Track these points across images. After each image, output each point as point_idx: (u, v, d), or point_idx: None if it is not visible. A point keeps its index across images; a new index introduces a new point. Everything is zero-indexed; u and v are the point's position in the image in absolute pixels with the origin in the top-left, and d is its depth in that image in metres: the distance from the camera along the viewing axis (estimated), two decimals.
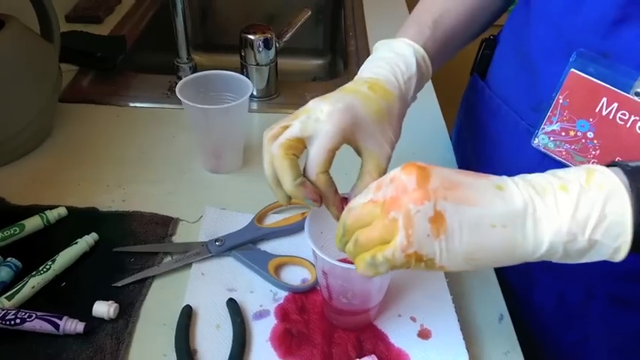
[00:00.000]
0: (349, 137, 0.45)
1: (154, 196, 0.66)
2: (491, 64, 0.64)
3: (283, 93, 0.88)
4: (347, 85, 0.49)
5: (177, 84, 0.66)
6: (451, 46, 0.59)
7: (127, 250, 0.58)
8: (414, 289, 0.55)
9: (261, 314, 0.53)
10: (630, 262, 0.53)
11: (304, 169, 0.45)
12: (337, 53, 1.21)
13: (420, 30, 0.55)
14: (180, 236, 0.62)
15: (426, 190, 0.37)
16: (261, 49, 0.83)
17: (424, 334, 0.51)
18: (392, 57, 0.51)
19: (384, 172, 0.46)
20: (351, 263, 0.41)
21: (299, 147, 0.45)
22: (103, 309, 0.51)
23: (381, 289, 0.49)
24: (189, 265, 0.58)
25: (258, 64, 0.84)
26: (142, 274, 0.56)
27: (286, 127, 0.46)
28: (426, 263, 0.37)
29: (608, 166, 0.38)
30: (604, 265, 0.54)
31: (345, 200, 0.46)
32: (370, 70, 0.51)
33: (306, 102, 0.87)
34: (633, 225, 0.35)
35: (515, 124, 0.59)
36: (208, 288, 0.55)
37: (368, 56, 0.98)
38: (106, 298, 0.52)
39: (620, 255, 0.36)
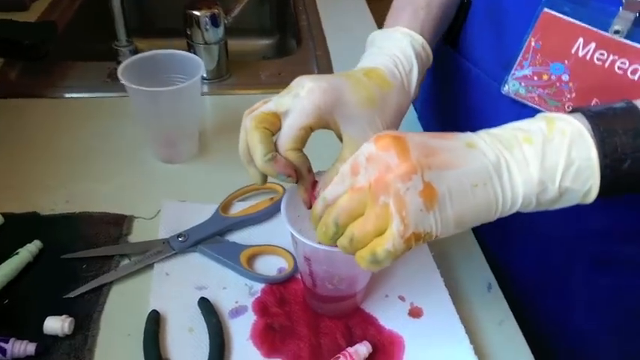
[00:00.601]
0: (327, 118, 0.41)
1: (103, 194, 0.60)
2: (463, 28, 0.61)
3: (235, 73, 0.83)
4: (343, 72, 0.45)
5: (117, 70, 0.59)
6: (445, 20, 0.56)
7: (78, 256, 0.52)
8: (399, 267, 0.52)
9: (237, 311, 0.48)
10: (609, 222, 0.52)
11: (275, 144, 0.41)
12: (287, 30, 1.15)
13: (414, 14, 0.52)
14: (137, 235, 0.56)
15: (410, 162, 0.34)
16: (208, 26, 0.77)
17: (415, 313, 0.48)
18: (390, 48, 0.48)
19: None
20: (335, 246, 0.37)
21: (274, 122, 0.41)
22: (57, 325, 0.45)
23: (367, 271, 0.45)
24: (150, 265, 0.52)
25: (206, 43, 0.77)
26: (97, 281, 0.50)
27: (266, 103, 0.43)
28: (424, 239, 0.34)
29: (569, 112, 0.37)
30: (584, 227, 0.53)
31: (315, 184, 0.42)
32: (369, 61, 0.48)
33: (262, 82, 0.83)
34: (600, 167, 0.35)
35: (487, 86, 0.56)
36: (175, 289, 0.50)
37: (321, 32, 0.95)
38: (58, 313, 0.46)
39: (590, 197, 0.36)
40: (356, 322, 0.48)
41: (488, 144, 0.36)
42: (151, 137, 0.65)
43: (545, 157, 0.35)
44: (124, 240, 0.55)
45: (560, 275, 0.58)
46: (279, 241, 0.54)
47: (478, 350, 0.45)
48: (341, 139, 0.43)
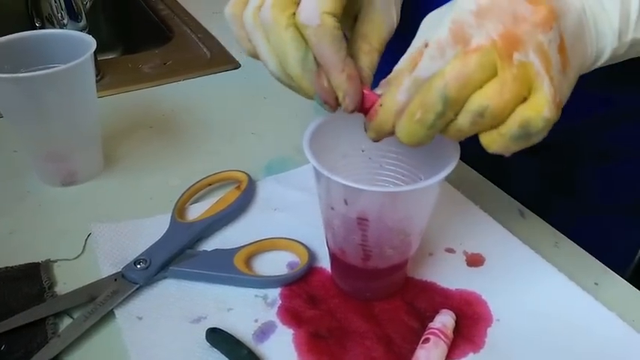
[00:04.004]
0: None
1: None
2: None
3: (109, 72, 0.66)
4: None
5: None
6: None
7: None
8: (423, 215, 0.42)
9: (264, 331, 0.35)
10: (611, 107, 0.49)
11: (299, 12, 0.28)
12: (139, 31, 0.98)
13: None
14: (67, 283, 0.38)
15: (545, 6, 0.25)
16: (63, 15, 0.59)
17: (475, 261, 0.39)
18: None
19: (384, 43, 0.32)
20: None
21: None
22: None
23: (424, 220, 0.35)
24: (110, 314, 0.35)
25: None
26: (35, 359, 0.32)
27: None
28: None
29: None
30: (586, 116, 0.49)
31: (371, 97, 0.30)
32: None
33: (147, 74, 0.68)
34: None
35: None
36: (161, 334, 0.34)
37: (185, 12, 0.82)
38: None
39: None
40: (414, 294, 0.37)
41: None
42: (32, 154, 0.47)
43: (622, 5, 0.29)
44: (51, 294, 0.37)
45: (567, 176, 0.54)
46: (273, 232, 0.41)
47: None
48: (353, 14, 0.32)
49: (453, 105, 0.26)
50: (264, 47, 0.30)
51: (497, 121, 0.26)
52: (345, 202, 0.31)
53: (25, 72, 0.44)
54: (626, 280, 0.40)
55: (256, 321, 0.35)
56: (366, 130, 0.30)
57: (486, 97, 0.25)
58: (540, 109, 0.25)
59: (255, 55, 0.32)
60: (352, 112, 0.29)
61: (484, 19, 0.25)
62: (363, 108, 0.30)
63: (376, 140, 0.31)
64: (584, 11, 0.28)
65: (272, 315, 0.36)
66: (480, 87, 0.26)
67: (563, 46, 0.26)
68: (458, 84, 0.26)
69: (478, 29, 0.26)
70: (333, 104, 0.29)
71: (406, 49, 0.30)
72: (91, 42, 0.45)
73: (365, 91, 0.30)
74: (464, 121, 0.26)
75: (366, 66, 0.31)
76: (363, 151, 0.37)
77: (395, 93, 0.28)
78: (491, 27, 0.25)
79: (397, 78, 0.28)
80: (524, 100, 0.26)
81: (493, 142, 0.27)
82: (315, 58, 0.29)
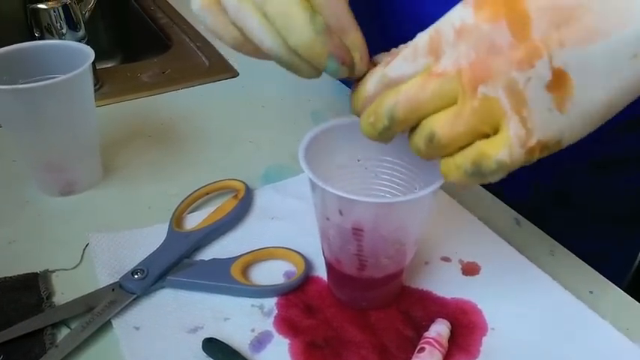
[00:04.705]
0: None
1: None
2: None
3: (107, 81, 0.66)
4: None
5: None
6: None
7: None
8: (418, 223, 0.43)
9: (260, 341, 0.35)
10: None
11: None
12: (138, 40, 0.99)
13: None
14: (65, 293, 0.38)
15: (530, 42, 0.23)
16: (62, 25, 0.60)
17: (471, 269, 0.40)
18: None
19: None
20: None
21: None
22: None
23: (419, 230, 0.36)
24: (107, 324, 0.36)
25: None
26: None
27: None
28: (551, 150, 0.25)
29: None
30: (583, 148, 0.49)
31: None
32: None
33: (146, 83, 0.68)
34: None
35: None
36: (159, 344, 0.35)
37: (184, 21, 0.82)
38: None
39: None
40: (409, 303, 0.38)
41: None
42: (31, 163, 0.47)
43: None
44: (49, 304, 0.37)
45: (564, 187, 0.54)
46: (270, 241, 0.41)
47: None
48: None
49: (399, 124, 0.26)
50: (257, 23, 0.27)
51: (447, 150, 0.26)
52: (340, 213, 0.31)
53: (23, 83, 0.44)
54: (623, 290, 0.40)
55: (253, 331, 0.36)
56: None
57: (436, 124, 0.25)
58: (497, 149, 0.24)
59: (239, 43, 0.29)
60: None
61: (462, 39, 0.24)
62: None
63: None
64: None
65: (268, 324, 0.36)
66: (427, 114, 0.25)
67: (563, 82, 0.23)
68: (408, 106, 0.25)
69: (452, 48, 0.25)
70: (351, 64, 0.28)
71: (391, 46, 0.29)
72: (90, 53, 0.46)
73: None
74: (419, 142, 0.26)
75: None
76: (358, 160, 0.37)
77: (365, 82, 0.28)
78: (464, 51, 0.24)
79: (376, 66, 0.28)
80: (488, 135, 0.25)
81: (450, 171, 0.26)
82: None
